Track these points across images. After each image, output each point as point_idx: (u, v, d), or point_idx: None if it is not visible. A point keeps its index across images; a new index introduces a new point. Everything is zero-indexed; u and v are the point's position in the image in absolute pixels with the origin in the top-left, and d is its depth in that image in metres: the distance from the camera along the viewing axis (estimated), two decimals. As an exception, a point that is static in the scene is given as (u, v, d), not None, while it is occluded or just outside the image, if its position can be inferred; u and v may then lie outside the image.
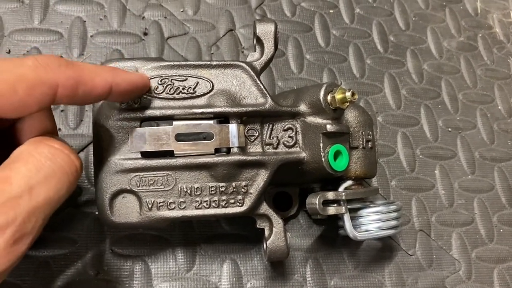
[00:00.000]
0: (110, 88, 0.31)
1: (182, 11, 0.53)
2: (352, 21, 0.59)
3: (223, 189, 0.37)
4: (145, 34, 0.50)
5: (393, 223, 0.42)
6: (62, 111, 0.45)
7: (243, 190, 0.38)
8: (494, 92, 0.61)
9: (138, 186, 0.36)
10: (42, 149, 0.29)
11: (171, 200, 0.37)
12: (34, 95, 0.27)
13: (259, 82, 0.39)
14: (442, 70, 0.60)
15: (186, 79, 0.38)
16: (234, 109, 0.37)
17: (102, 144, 0.36)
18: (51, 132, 0.33)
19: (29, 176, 0.27)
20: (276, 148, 0.39)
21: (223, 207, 0.38)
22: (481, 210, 0.53)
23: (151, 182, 0.37)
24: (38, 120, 0.31)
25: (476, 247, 0.51)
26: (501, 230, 0.53)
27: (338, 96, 0.37)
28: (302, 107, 0.39)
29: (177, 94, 0.38)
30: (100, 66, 0.33)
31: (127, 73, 0.34)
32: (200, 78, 0.38)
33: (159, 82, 0.37)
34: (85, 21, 0.49)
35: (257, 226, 0.39)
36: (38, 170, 0.27)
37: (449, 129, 0.57)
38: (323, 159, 0.37)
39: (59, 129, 0.44)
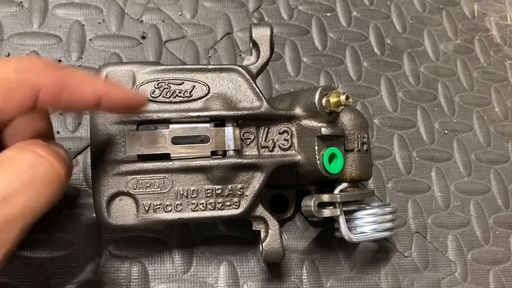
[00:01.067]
0: (99, 99, 0.29)
1: (180, 14, 0.53)
2: (349, 24, 0.59)
3: (219, 191, 0.38)
4: (143, 37, 0.51)
5: (389, 225, 0.42)
6: (60, 114, 0.46)
7: (239, 192, 0.38)
8: (490, 94, 0.61)
9: (135, 189, 0.37)
10: (25, 155, 0.27)
11: (167, 203, 0.37)
12: (14, 98, 0.26)
13: (254, 85, 0.39)
14: (439, 72, 0.60)
15: (183, 82, 0.38)
16: (230, 113, 0.38)
17: (99, 147, 0.37)
18: (45, 134, 0.32)
19: (6, 183, 0.26)
20: (272, 151, 0.40)
21: (219, 209, 0.38)
22: (477, 212, 0.54)
23: (148, 185, 0.37)
24: (30, 121, 0.30)
25: (472, 249, 0.52)
26: (497, 232, 0.53)
27: (333, 99, 0.37)
28: (298, 110, 0.40)
29: (173, 97, 0.38)
30: (92, 76, 0.31)
31: (121, 88, 0.33)
32: (197, 81, 0.39)
33: (156, 86, 0.38)
34: (83, 25, 0.49)
35: (253, 228, 0.39)
36: (17, 177, 0.26)
37: (446, 132, 0.57)
38: (318, 162, 0.37)
39: (58, 132, 0.45)
